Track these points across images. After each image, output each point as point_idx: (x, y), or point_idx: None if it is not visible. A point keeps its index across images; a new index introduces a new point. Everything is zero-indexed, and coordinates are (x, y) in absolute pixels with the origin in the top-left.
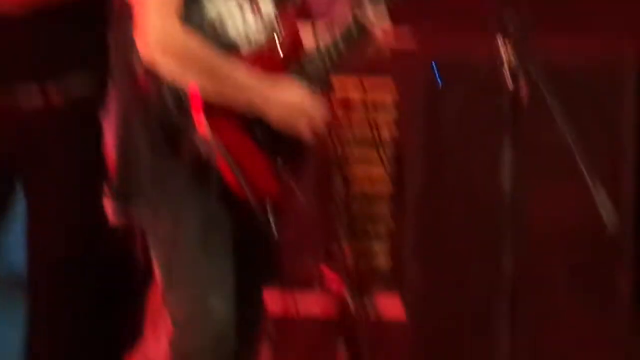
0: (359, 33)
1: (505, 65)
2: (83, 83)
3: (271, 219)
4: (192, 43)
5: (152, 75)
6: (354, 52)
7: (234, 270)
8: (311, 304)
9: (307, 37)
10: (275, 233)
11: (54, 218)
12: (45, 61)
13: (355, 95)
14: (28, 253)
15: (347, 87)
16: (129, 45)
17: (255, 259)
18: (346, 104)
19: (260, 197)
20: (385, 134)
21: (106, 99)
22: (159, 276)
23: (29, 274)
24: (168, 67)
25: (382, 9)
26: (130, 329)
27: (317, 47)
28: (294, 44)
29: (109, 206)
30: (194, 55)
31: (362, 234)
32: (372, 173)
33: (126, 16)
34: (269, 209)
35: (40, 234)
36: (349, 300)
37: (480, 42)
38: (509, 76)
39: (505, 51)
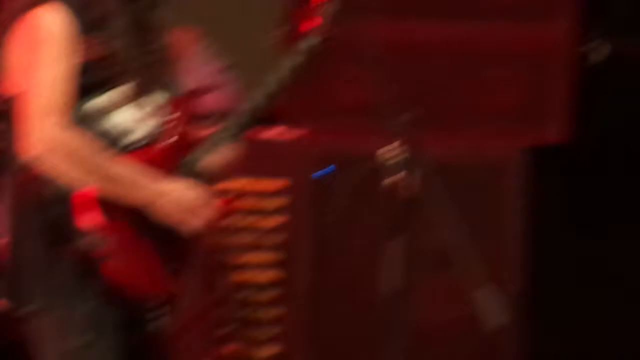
0: (243, 126)
1: (394, 161)
2: None
3: (160, 315)
4: (73, 143)
5: (36, 169)
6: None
7: None
8: None
9: (197, 131)
10: (165, 329)
11: None
12: None
13: (245, 184)
14: None
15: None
16: (16, 141)
17: (145, 355)
18: (237, 193)
19: (149, 294)
20: (275, 221)
21: None
22: None
23: None
24: (54, 165)
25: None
26: None
27: (207, 145)
28: (183, 138)
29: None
30: (75, 155)
31: (252, 321)
32: (261, 259)
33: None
34: (157, 306)
35: None
36: None
37: (371, 139)
38: (397, 171)
39: (395, 148)
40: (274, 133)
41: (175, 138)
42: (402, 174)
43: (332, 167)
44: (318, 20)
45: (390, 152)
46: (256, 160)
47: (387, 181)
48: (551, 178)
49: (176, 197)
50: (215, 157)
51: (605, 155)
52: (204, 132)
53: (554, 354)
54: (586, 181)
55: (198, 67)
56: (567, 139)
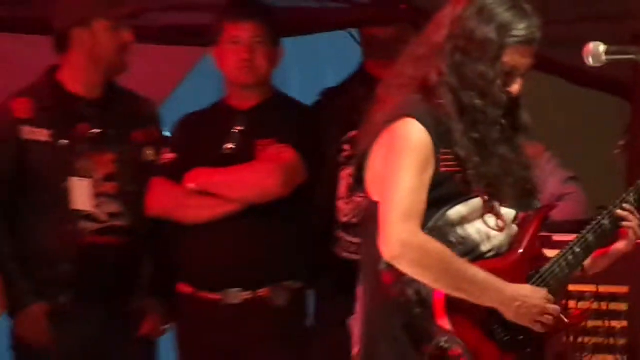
0: (598, 241)
1: None
2: None
3: None
4: (433, 248)
5: (396, 272)
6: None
7: None
8: None
9: (547, 248)
10: None
11: None
12: None
13: (585, 287)
14: None
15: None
16: (375, 246)
17: None
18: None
19: None
20: (617, 324)
21: None
22: None
23: None
24: (410, 268)
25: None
26: None
27: (557, 258)
28: (532, 250)
29: None
30: (432, 258)
31: None
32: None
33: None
34: None
35: None
36: None
37: None
38: None
39: None
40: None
41: (522, 251)
42: None
43: None
44: None
45: None
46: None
47: None
48: None
49: (524, 302)
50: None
51: None
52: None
53: None
54: None
55: (545, 177)
56: None
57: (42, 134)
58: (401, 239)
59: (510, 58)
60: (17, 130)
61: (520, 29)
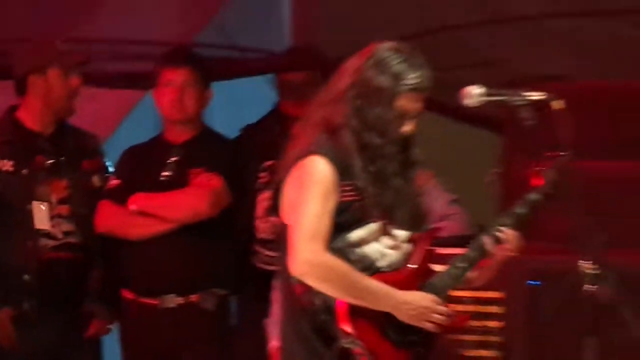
0: (479, 256)
1: (590, 274)
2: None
3: None
4: (333, 265)
5: (305, 285)
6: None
7: None
8: None
9: (437, 263)
10: None
11: None
12: None
13: (471, 294)
14: None
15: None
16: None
17: None
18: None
19: None
20: (493, 324)
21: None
22: None
23: None
24: (315, 283)
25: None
26: None
27: (445, 271)
28: (423, 265)
29: None
30: (334, 273)
31: None
32: (483, 355)
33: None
34: None
35: None
36: None
37: (572, 258)
38: (591, 284)
39: (587, 265)
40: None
41: (415, 267)
42: (597, 284)
43: (539, 281)
44: (541, 181)
45: (587, 267)
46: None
47: (586, 290)
48: None
49: (414, 305)
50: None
51: None
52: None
53: None
54: None
55: (432, 201)
56: None
57: (5, 165)
58: (306, 259)
59: (403, 103)
60: None
61: (411, 78)
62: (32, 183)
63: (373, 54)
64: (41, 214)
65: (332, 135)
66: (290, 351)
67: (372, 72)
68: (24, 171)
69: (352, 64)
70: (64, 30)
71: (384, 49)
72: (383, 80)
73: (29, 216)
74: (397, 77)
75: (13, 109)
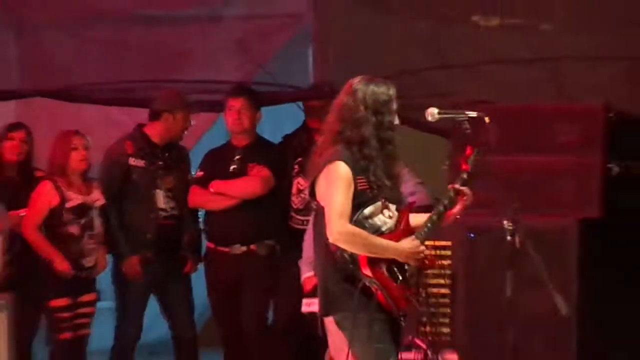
0: (442, 215)
1: (509, 229)
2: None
3: (403, 317)
4: (356, 232)
5: (337, 247)
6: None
7: (394, 348)
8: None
9: (414, 221)
10: (403, 323)
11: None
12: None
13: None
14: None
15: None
16: (323, 229)
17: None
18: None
19: (397, 307)
20: (445, 262)
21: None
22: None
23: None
24: (345, 245)
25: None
26: None
27: (421, 227)
28: (407, 226)
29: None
30: (358, 239)
31: (435, 314)
32: (440, 282)
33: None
34: (401, 312)
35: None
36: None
37: (498, 219)
38: (509, 235)
39: (509, 223)
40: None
41: (402, 228)
42: (513, 235)
43: (474, 234)
44: (467, 166)
45: (507, 225)
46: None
47: (508, 240)
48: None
49: (406, 250)
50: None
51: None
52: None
53: None
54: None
55: (405, 182)
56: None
57: (139, 163)
58: (338, 230)
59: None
60: (126, 159)
61: (391, 90)
62: (155, 177)
63: (357, 87)
64: (159, 197)
65: (348, 146)
66: (327, 294)
67: (370, 93)
68: (151, 168)
69: (341, 99)
70: (171, 76)
71: (363, 81)
72: (382, 93)
73: (152, 198)
74: (386, 91)
75: (141, 126)
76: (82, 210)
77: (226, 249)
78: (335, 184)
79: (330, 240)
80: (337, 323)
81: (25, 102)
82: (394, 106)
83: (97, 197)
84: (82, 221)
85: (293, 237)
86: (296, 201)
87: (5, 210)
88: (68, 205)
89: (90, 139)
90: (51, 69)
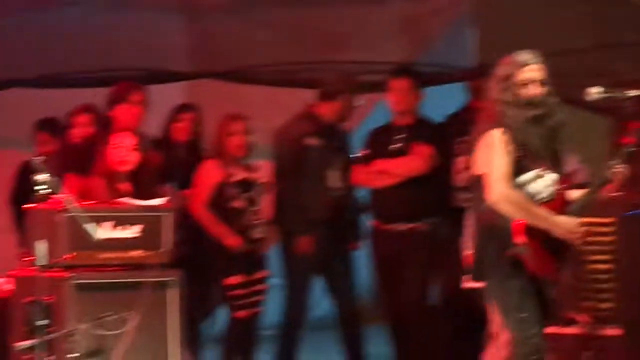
0: (598, 191)
1: None
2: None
3: (550, 286)
4: (516, 195)
5: (494, 211)
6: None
7: (539, 319)
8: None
9: (571, 195)
10: (553, 292)
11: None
12: None
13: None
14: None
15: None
16: (482, 197)
17: (546, 309)
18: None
19: (545, 274)
20: (609, 238)
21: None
22: (499, 315)
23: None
24: (504, 207)
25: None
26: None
27: (578, 201)
28: (563, 200)
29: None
30: (515, 201)
31: (595, 289)
32: (600, 258)
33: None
34: (552, 282)
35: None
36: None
37: None
38: None
39: None
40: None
41: (558, 200)
42: None
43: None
44: (628, 142)
45: None
46: (598, 206)
47: None
48: None
49: (564, 225)
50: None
51: None
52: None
53: None
54: None
55: (567, 159)
56: None
57: (315, 142)
58: (499, 191)
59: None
60: (302, 138)
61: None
62: (329, 156)
63: (512, 61)
64: (332, 176)
65: (508, 116)
66: (482, 256)
67: (524, 66)
68: (327, 148)
69: (498, 74)
70: (334, 57)
71: (517, 56)
72: (534, 69)
73: (326, 177)
74: (536, 66)
75: (311, 106)
76: (246, 185)
77: (389, 227)
78: (495, 149)
79: (490, 202)
80: (486, 290)
81: (193, 84)
82: (547, 80)
83: (260, 174)
84: (247, 195)
85: (455, 215)
86: (459, 179)
87: (176, 189)
88: (232, 180)
89: (255, 120)
90: (219, 51)
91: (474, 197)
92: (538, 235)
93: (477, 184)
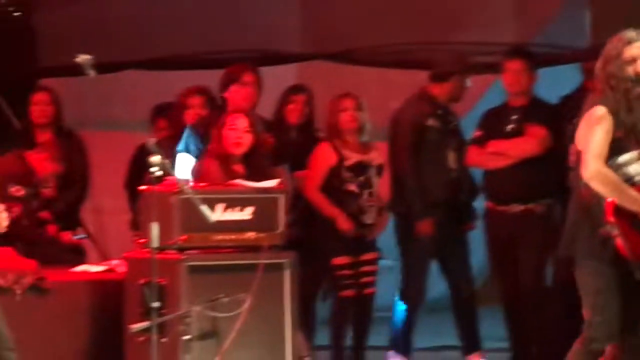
0: None
1: None
2: None
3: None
4: (610, 175)
5: (590, 189)
6: None
7: (621, 302)
8: None
9: None
10: None
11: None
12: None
13: None
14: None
15: None
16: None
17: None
18: None
19: (637, 258)
20: None
21: None
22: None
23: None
24: (597, 185)
25: None
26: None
27: None
28: None
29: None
30: (609, 180)
31: None
32: None
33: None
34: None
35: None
36: None
37: None
38: None
39: None
40: None
41: None
42: None
43: None
44: None
45: None
46: None
47: None
48: None
49: None
50: None
51: None
52: None
53: None
54: None
55: None
56: None
57: (435, 123)
58: (594, 168)
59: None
60: (423, 119)
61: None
62: (448, 137)
63: (620, 39)
64: (450, 157)
65: (611, 95)
66: (570, 233)
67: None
68: (446, 129)
69: (606, 53)
70: (448, 38)
71: (625, 35)
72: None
73: (446, 158)
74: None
75: (424, 88)
76: (360, 168)
77: (504, 208)
78: (594, 126)
79: (584, 178)
80: (576, 266)
81: (305, 65)
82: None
83: (375, 157)
84: (361, 179)
85: (565, 195)
86: (571, 160)
87: (289, 171)
88: (346, 163)
89: (368, 100)
90: (331, 32)
91: (575, 174)
92: (629, 217)
93: (578, 160)
